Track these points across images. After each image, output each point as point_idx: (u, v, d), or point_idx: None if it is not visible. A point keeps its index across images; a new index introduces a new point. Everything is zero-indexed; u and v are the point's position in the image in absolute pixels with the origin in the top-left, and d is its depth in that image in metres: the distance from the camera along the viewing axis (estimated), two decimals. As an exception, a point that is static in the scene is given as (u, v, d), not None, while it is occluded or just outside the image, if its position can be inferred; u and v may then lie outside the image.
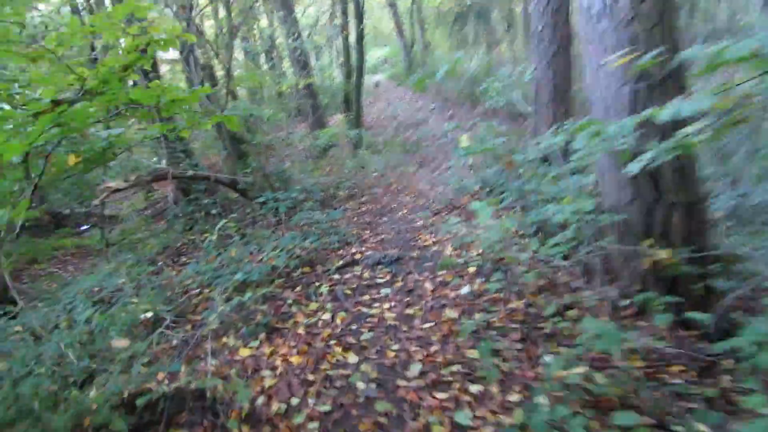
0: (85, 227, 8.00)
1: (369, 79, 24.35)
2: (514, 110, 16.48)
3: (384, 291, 3.86)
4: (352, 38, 11.22)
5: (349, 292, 3.92)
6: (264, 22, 17.53)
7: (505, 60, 19.62)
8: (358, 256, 4.47)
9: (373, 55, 33.90)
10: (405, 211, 5.59)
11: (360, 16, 10.32)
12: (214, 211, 6.68)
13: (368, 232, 5.14)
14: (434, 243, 4.61)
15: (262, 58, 19.18)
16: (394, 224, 5.25)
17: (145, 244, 6.52)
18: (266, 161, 6.96)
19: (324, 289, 3.99)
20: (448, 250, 4.38)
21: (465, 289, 3.70)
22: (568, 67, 6.19)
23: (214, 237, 4.46)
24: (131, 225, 7.32)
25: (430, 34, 23.98)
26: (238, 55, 19.52)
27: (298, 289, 4.09)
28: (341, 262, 4.39)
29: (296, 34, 12.68)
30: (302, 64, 13.27)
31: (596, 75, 3.27)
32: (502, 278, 3.78)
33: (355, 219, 5.54)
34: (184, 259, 5.97)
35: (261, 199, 5.70)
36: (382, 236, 4.98)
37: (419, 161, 13.58)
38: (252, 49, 18.14)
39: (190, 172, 5.60)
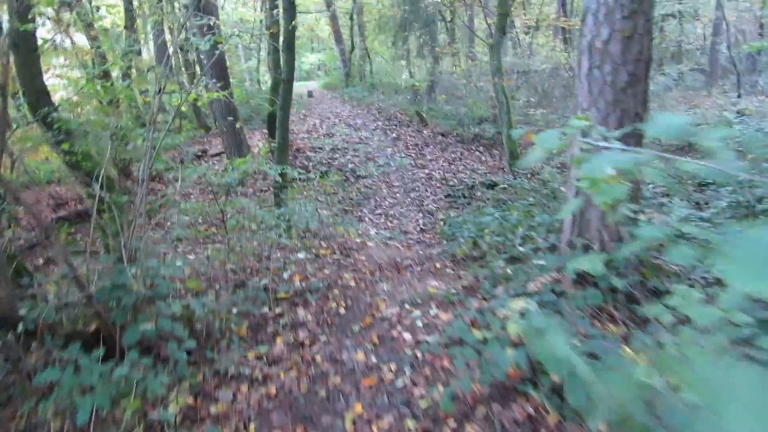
0: None
1: (302, 87, 21.08)
2: (484, 135, 13.76)
3: None
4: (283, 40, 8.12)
5: None
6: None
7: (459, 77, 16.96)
8: None
9: (308, 60, 30.65)
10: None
11: (291, 13, 7.21)
12: None
13: None
14: None
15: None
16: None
17: None
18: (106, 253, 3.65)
19: None
20: None
21: None
22: (644, 113, 3.43)
23: None
24: None
25: (371, 41, 21.04)
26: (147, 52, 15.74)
27: None
28: None
29: (209, 29, 9.36)
30: (217, 71, 9.95)
31: None
32: None
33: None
34: None
35: (42, 376, 2.51)
36: None
37: (366, 211, 10.61)
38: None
39: None
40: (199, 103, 7.99)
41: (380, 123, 14.40)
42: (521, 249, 3.91)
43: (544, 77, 13.91)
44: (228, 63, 20.85)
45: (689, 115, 13.28)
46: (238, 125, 9.74)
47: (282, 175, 7.12)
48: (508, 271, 3.66)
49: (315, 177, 9.74)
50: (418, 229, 10.25)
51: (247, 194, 8.74)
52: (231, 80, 17.84)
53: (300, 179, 8.63)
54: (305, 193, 7.75)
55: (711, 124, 12.03)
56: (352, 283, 4.09)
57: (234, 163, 8.19)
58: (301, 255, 4.62)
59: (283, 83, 7.42)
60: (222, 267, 4.09)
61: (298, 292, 3.80)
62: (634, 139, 2.90)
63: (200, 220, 7.74)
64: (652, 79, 16.70)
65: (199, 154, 13.67)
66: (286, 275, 4.15)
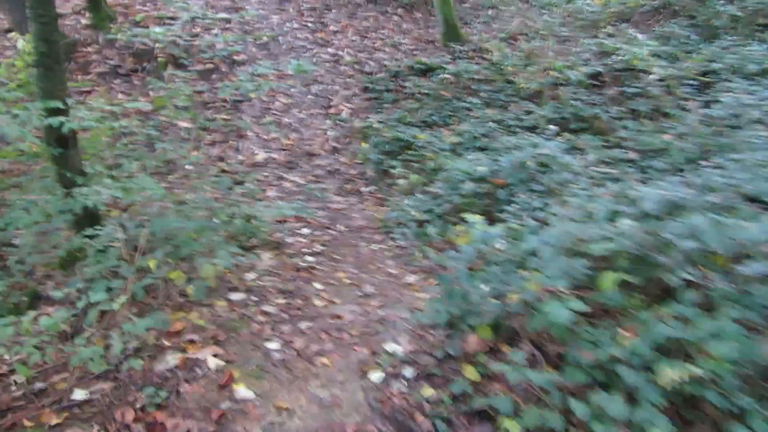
0: None
1: None
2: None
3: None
4: None
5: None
6: None
7: None
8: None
9: None
10: None
11: None
12: None
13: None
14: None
15: None
16: None
17: None
18: None
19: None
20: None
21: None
22: None
23: None
24: None
25: None
26: None
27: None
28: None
29: None
30: None
31: None
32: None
33: None
34: None
35: None
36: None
37: (248, 118, 6.72)
38: None
39: None
40: None
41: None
42: None
43: None
44: None
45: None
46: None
47: (55, 130, 3.25)
48: None
49: (152, 82, 5.70)
50: (329, 147, 6.84)
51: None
52: None
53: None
54: (128, 140, 3.97)
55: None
56: None
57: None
58: None
59: None
60: None
61: None
62: None
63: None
64: None
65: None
66: None
